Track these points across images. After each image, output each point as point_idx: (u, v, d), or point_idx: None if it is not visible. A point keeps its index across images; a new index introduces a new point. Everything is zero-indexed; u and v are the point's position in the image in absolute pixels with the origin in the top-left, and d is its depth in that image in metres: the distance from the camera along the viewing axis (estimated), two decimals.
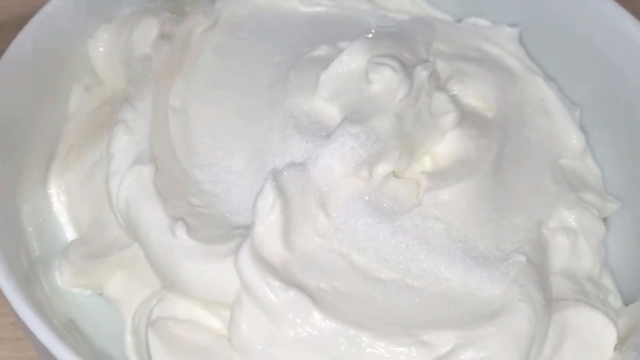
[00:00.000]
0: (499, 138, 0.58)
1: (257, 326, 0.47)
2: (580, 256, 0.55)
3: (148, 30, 0.59)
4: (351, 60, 0.56)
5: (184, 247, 0.49)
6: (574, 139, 0.61)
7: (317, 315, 0.47)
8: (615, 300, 0.55)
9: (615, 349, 0.51)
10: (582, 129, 0.62)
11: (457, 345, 0.47)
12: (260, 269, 0.47)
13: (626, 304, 0.55)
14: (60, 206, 0.57)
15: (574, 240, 0.55)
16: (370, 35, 0.60)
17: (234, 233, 0.50)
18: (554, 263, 0.54)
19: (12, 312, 0.46)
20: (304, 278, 0.48)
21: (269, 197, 0.49)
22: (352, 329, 0.47)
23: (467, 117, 0.57)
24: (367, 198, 0.52)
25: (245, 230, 0.50)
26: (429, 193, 0.53)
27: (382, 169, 0.52)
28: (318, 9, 0.66)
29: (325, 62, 0.56)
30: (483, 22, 0.67)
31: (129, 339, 0.51)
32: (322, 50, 0.59)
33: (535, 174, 0.58)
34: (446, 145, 0.56)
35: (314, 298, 0.47)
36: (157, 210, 0.51)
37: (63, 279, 0.53)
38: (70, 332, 0.50)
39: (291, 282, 0.48)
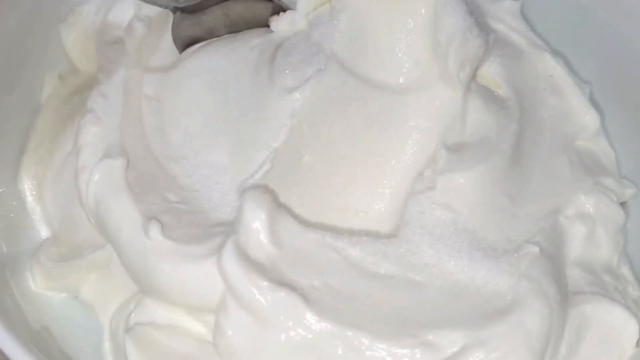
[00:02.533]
0: (517, 117, 0.54)
1: (245, 331, 0.44)
2: (598, 245, 0.51)
3: (123, 13, 0.56)
4: None
5: (159, 248, 0.46)
6: (588, 119, 0.57)
7: (310, 317, 0.43)
8: (634, 291, 0.52)
9: (638, 344, 0.48)
10: None
11: (465, 345, 0.44)
12: (246, 269, 0.44)
13: None
14: (34, 203, 0.54)
15: (591, 228, 0.51)
16: None
17: (215, 231, 0.47)
18: (569, 253, 0.50)
19: None
20: (295, 276, 0.45)
21: (258, 189, 0.46)
22: (350, 330, 0.44)
23: (484, 91, 0.52)
24: None
25: (228, 228, 0.46)
26: (444, 176, 0.49)
27: None
28: None
29: None
30: None
31: (107, 346, 0.48)
32: None
33: (551, 157, 0.54)
34: (470, 119, 0.51)
35: (307, 298, 0.44)
36: (128, 207, 0.47)
37: (35, 282, 0.50)
38: (42, 341, 0.47)
39: (281, 282, 0.44)
